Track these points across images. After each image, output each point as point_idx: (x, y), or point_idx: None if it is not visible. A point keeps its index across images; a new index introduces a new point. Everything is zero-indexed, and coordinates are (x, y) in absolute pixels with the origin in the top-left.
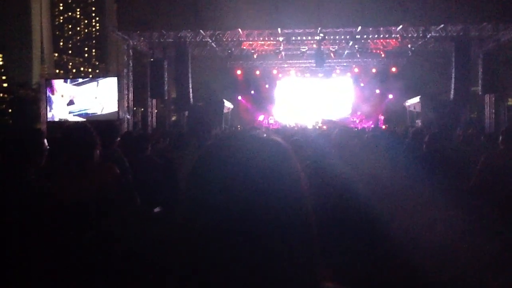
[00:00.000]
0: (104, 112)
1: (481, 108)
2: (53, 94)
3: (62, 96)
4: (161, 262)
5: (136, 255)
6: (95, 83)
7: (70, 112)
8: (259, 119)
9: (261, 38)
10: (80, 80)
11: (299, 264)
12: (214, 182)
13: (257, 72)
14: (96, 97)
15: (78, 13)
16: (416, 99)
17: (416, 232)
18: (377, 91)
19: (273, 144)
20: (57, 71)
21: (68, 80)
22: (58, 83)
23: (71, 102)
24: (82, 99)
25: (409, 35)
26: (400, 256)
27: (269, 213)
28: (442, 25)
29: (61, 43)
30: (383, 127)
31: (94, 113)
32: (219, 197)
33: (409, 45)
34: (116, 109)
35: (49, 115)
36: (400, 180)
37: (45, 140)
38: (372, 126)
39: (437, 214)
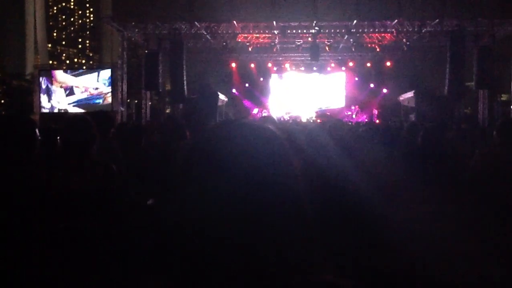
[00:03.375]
0: (106, 103)
1: (475, 103)
2: (52, 84)
3: (61, 86)
4: (154, 253)
5: (130, 247)
6: (95, 73)
7: (70, 103)
8: (253, 112)
9: (256, 31)
10: (81, 70)
11: (297, 255)
12: (207, 170)
13: (252, 65)
14: (97, 88)
15: (72, 3)
16: (410, 94)
17: (411, 226)
18: (372, 85)
19: (265, 131)
20: (51, 62)
21: (68, 71)
22: (58, 74)
23: (71, 93)
24: (83, 90)
25: (405, 29)
26: (395, 250)
27: (263, 200)
28: (437, 20)
29: (55, 34)
30: (377, 121)
31: (96, 103)
32: (212, 185)
33: (404, 40)
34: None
35: (48, 105)
36: (395, 174)
37: (37, 130)
38: (367, 120)
39: (432, 208)
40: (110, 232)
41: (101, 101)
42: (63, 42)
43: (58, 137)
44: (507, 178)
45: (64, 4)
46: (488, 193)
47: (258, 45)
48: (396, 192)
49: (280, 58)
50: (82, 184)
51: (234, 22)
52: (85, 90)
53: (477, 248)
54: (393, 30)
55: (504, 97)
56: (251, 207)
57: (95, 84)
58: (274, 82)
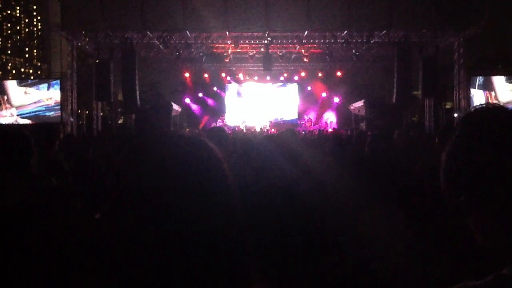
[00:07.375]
0: (57, 115)
1: (422, 111)
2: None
3: (7, 98)
4: (101, 267)
5: (76, 261)
6: (46, 85)
7: (18, 115)
8: (207, 121)
9: (209, 41)
10: (31, 81)
11: (229, 267)
12: (135, 181)
13: (206, 75)
14: (48, 99)
15: (18, 11)
16: (360, 103)
17: (357, 231)
18: (324, 94)
19: (197, 143)
20: None
21: (16, 82)
22: (8, 84)
23: (20, 105)
24: (33, 101)
25: (354, 40)
26: (339, 258)
27: (193, 213)
28: (384, 31)
29: (0, 43)
30: (330, 130)
31: (47, 115)
32: (139, 197)
33: (353, 50)
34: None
35: None
36: (343, 182)
37: None
38: (319, 129)
39: (378, 214)
40: (52, 248)
41: (52, 113)
42: (9, 51)
43: None
44: None
45: (9, 11)
46: (430, 197)
47: (211, 55)
48: (344, 199)
49: (234, 68)
50: (16, 200)
51: (187, 32)
52: (36, 102)
53: (420, 250)
54: (343, 40)
55: (448, 105)
56: (179, 218)
57: (47, 96)
58: (228, 92)
